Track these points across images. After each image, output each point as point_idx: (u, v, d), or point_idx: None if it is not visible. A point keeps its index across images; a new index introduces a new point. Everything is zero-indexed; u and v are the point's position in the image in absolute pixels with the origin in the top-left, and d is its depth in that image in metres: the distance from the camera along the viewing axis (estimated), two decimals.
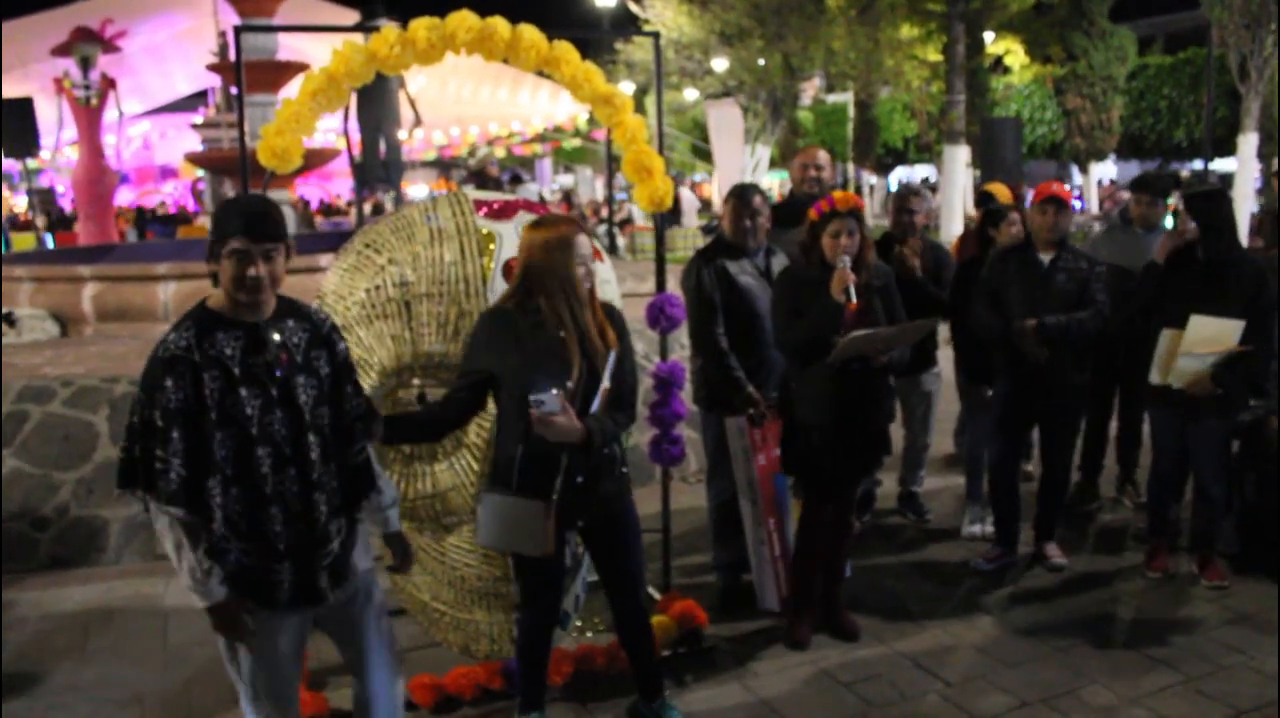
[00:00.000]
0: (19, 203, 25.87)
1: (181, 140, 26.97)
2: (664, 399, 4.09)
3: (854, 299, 3.73)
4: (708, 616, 4.08)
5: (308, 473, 2.50)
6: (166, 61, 25.36)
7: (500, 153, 33.77)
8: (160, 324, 7.30)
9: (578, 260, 3.02)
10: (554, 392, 2.89)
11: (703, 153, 27.66)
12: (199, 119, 20.13)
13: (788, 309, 3.95)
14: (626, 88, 22.26)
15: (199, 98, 26.75)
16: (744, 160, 22.07)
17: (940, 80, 21.07)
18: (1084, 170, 23.02)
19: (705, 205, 24.02)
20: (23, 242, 16.99)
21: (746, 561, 4.40)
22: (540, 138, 32.48)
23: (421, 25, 3.67)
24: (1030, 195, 4.73)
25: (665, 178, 4.02)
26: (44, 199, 19.74)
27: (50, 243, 16.75)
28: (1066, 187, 5.72)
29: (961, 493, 5.37)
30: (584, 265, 3.04)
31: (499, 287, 3.38)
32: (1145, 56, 23.49)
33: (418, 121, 12.41)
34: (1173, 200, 6.97)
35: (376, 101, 11.00)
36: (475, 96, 28.27)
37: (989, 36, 21.50)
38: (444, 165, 38.80)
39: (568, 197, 30.85)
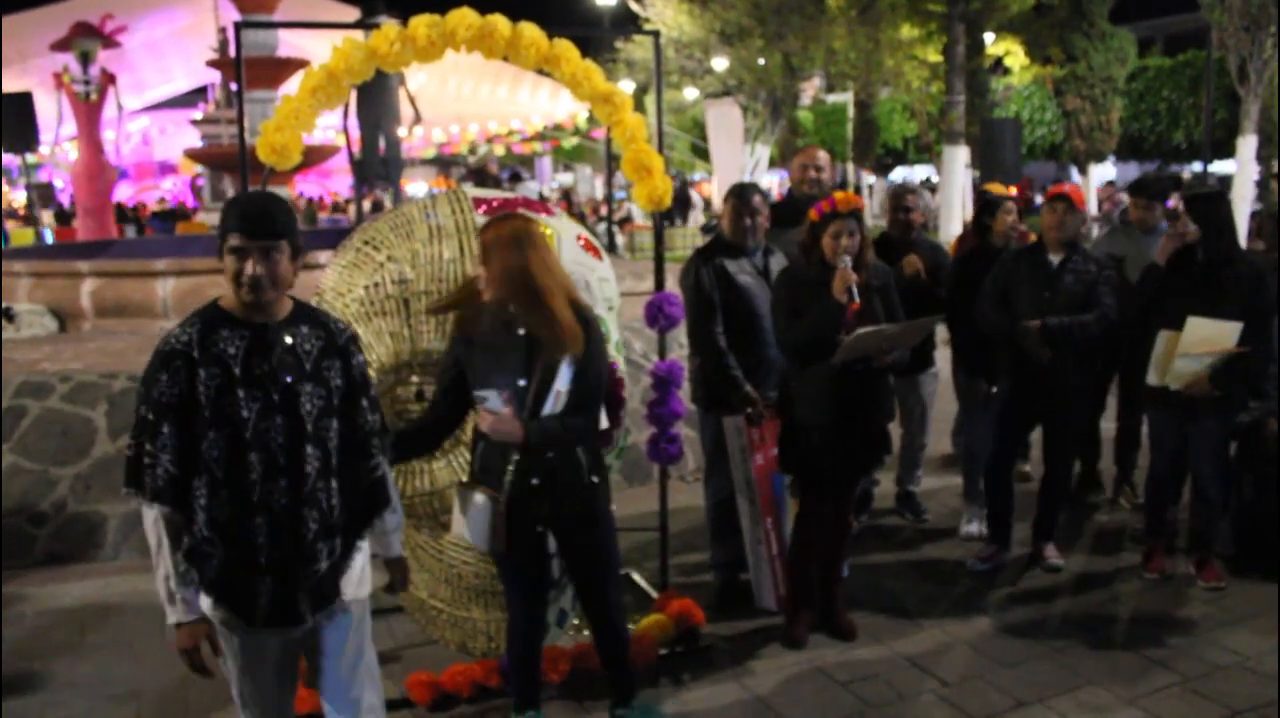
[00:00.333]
0: (18, 198, 25.85)
1: (181, 136, 26.89)
2: (662, 398, 4.09)
3: (856, 299, 3.74)
4: (705, 614, 4.08)
5: (299, 486, 2.40)
6: (166, 57, 25.38)
7: (500, 151, 33.76)
8: (159, 320, 7.30)
9: (538, 254, 2.97)
10: (495, 391, 2.94)
11: (702, 152, 27.63)
12: (199, 115, 20.08)
13: (788, 309, 3.95)
14: (626, 86, 22.27)
15: (199, 93, 26.76)
16: (743, 160, 22.07)
17: (940, 81, 21.05)
18: (1083, 172, 22.99)
19: (705, 204, 24.03)
20: (21, 237, 16.97)
21: (744, 560, 4.41)
22: (540, 136, 32.45)
23: (422, 22, 3.68)
24: (1041, 198, 4.74)
25: (664, 177, 4.02)
26: (43, 194, 19.69)
27: (49, 238, 16.74)
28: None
29: (959, 493, 5.38)
30: (546, 255, 3.00)
31: None
32: (1145, 58, 23.50)
33: (417, 119, 12.37)
34: (1172, 202, 6.98)
35: (376, 99, 10.96)
36: (475, 94, 28.30)
37: (989, 37, 21.46)
38: (443, 163, 38.78)
39: (567, 195, 30.79)
